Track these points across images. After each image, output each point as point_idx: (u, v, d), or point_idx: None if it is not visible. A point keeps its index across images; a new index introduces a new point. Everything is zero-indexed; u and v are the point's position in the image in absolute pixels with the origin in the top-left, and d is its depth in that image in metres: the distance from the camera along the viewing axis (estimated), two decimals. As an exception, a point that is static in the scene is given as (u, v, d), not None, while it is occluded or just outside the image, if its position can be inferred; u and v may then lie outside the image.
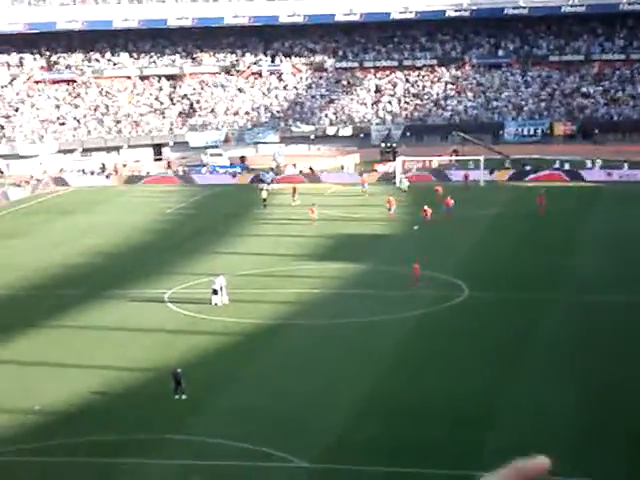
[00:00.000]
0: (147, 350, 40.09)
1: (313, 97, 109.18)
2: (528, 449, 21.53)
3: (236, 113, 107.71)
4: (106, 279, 52.59)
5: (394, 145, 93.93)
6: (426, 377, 35.89)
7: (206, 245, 60.44)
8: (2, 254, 60.23)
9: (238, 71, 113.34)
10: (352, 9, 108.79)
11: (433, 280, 49.07)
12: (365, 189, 76.26)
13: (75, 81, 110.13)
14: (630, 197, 71.62)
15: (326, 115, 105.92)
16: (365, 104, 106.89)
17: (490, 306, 44.70)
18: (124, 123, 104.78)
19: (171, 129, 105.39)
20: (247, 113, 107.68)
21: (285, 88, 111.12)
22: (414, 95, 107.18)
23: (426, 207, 64.24)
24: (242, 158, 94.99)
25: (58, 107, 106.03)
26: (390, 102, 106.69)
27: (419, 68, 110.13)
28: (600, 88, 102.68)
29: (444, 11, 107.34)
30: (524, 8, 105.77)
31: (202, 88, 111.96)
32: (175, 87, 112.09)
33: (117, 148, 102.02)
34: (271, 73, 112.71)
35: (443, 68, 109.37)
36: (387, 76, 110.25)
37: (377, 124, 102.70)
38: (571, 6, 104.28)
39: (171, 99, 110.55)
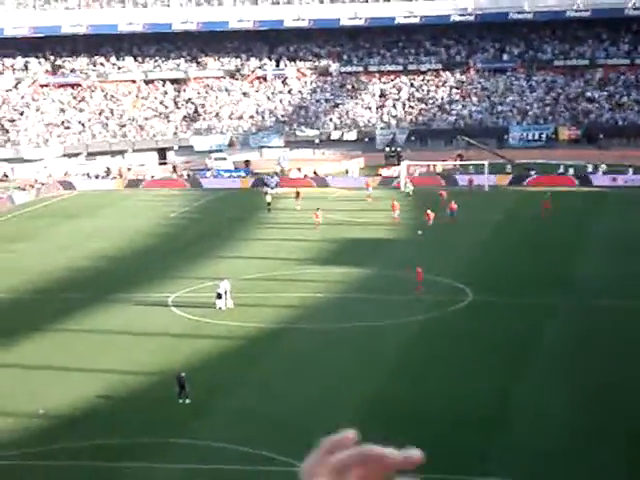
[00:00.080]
0: (151, 354, 40.13)
1: (318, 101, 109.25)
2: (531, 452, 21.63)
3: (240, 117, 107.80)
4: (110, 283, 52.66)
5: (399, 149, 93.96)
6: (429, 381, 35.89)
7: (210, 249, 60.50)
8: (7, 258, 60.33)
9: (243, 75, 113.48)
10: (357, 13, 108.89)
11: (437, 284, 49.08)
12: (370, 193, 76.31)
13: (80, 85, 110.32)
14: (635, 202, 71.58)
15: (331, 119, 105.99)
16: (370, 108, 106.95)
17: (494, 310, 44.69)
18: (129, 127, 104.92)
19: (176, 133, 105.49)
20: (252, 117, 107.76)
21: (290, 92, 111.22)
22: (419, 99, 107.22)
23: (429, 211, 64.27)
24: (246, 162, 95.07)
25: (63, 111, 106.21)
26: (395, 106, 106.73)
27: (424, 72, 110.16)
28: (605, 93, 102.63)
29: (449, 16, 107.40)
30: (529, 13, 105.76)
31: (207, 92, 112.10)
32: (180, 91, 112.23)
33: (122, 152, 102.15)
34: (276, 77, 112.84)
35: (448, 72, 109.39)
36: (392, 80, 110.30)
37: (382, 128, 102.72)
38: (576, 11, 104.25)
39: (176, 103, 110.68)
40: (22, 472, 30.06)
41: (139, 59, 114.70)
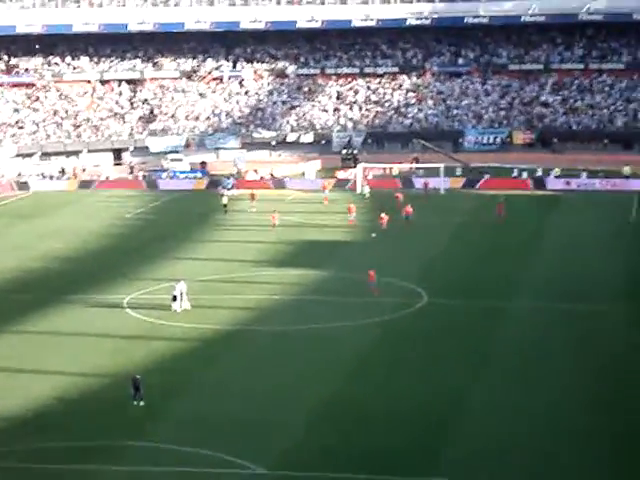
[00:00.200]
0: (106, 356, 39.86)
1: (274, 103, 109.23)
2: (489, 455, 21.80)
3: (197, 118, 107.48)
4: (65, 284, 52.27)
5: (355, 152, 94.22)
6: (385, 384, 36.00)
7: (166, 250, 60.25)
8: (-41, 258, 59.65)
9: (199, 76, 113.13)
10: (313, 16, 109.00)
11: (393, 287, 49.28)
12: (326, 195, 76.45)
13: (34, 85, 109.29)
14: (587, 205, 72.40)
15: (287, 121, 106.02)
16: (326, 111, 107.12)
17: (449, 312, 44.97)
18: (84, 127, 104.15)
19: (131, 134, 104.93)
20: (208, 118, 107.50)
21: (246, 94, 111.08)
22: (375, 102, 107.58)
23: (382, 214, 64.50)
24: (203, 164, 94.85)
25: (17, 111, 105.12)
26: (351, 109, 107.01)
27: (380, 75, 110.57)
28: (559, 97, 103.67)
29: (405, 19, 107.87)
30: (484, 17, 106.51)
31: (163, 93, 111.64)
32: (135, 92, 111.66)
33: (76, 152, 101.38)
34: (232, 79, 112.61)
35: (404, 76, 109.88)
36: (348, 83, 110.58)
37: (338, 131, 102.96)
38: (531, 15, 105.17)
39: (131, 104, 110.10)
40: (-27, 475, 29.73)
41: (94, 59, 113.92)
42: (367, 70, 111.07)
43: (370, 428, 31.88)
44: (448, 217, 68.79)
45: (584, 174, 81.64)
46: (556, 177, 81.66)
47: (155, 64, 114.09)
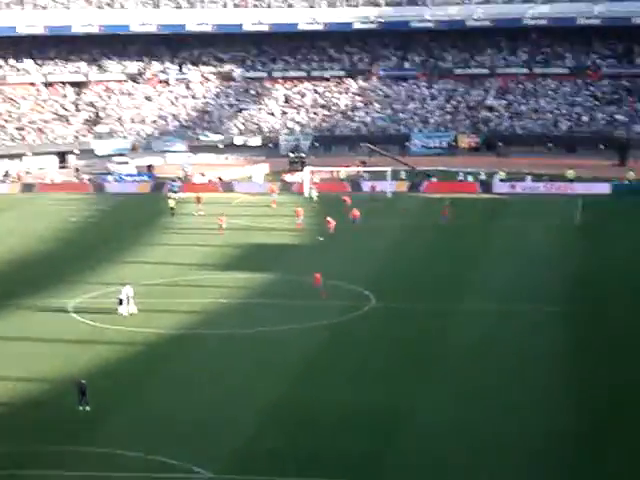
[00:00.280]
0: (51, 361, 39.41)
1: (221, 106, 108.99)
2: (433, 459, 21.88)
3: (143, 121, 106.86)
4: (8, 288, 51.60)
5: (303, 155, 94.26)
6: (333, 386, 36.04)
7: (113, 254, 59.76)
8: None
9: (145, 79, 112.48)
10: (260, 19, 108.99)
11: (340, 290, 49.36)
12: (274, 198, 76.36)
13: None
14: (532, 209, 73.16)
15: (235, 125, 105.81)
16: (273, 114, 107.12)
17: (397, 315, 45.15)
18: (28, 130, 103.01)
19: (76, 137, 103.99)
20: (154, 121, 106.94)
21: (193, 97, 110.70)
22: (322, 106, 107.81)
23: (329, 218, 64.58)
24: (149, 167, 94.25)
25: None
26: (298, 112, 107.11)
27: (327, 79, 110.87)
28: (504, 101, 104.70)
29: (351, 23, 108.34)
30: (430, 22, 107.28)
31: (108, 96, 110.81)
32: (80, 94, 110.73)
33: (20, 155, 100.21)
34: (179, 81, 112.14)
35: (351, 79, 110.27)
36: (295, 86, 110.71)
37: (286, 134, 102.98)
38: (476, 20, 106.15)
39: (76, 106, 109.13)
40: None
41: (39, 62, 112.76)
42: (314, 74, 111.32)
43: (317, 431, 31.89)
44: (395, 220, 69.08)
45: (529, 178, 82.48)
46: (501, 181, 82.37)
47: (100, 67, 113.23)
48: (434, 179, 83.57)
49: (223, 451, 30.41)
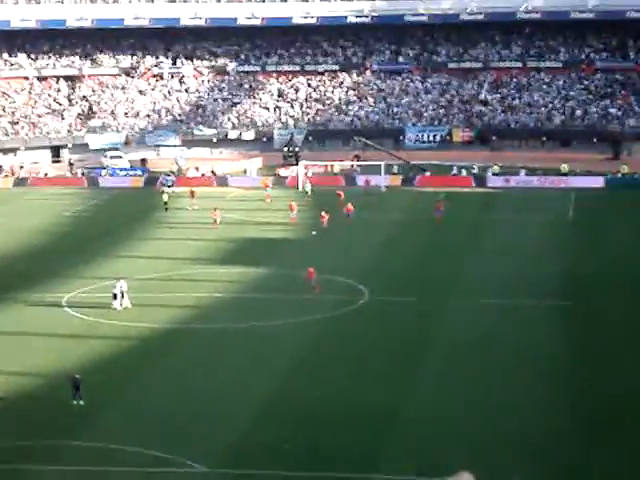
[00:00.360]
0: (44, 355, 39.40)
1: (215, 100, 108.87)
2: (425, 454, 21.85)
3: (137, 115, 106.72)
4: (2, 283, 51.55)
5: (297, 149, 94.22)
6: (327, 380, 36.06)
7: (107, 248, 59.72)
8: None
9: (138, 73, 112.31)
10: (254, 13, 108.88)
11: (335, 284, 49.38)
12: (268, 193, 76.31)
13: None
14: (526, 203, 73.23)
15: (228, 119, 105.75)
16: (267, 108, 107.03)
17: (391, 310, 45.17)
18: (22, 124, 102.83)
19: (70, 131, 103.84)
20: (148, 116, 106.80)
21: (187, 91, 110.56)
22: (316, 100, 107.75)
23: (323, 212, 64.58)
24: (143, 161, 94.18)
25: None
26: (292, 106, 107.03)
27: (321, 73, 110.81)
28: (498, 95, 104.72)
29: (345, 17, 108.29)
30: (424, 15, 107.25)
31: (102, 90, 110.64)
32: (74, 88, 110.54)
33: (14, 150, 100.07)
34: (172, 75, 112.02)
35: (345, 73, 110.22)
36: (289, 80, 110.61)
37: (280, 128, 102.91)
38: (469, 14, 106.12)
39: (70, 100, 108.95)
40: None
41: (32, 56, 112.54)
42: (308, 68, 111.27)
43: (311, 425, 31.93)
44: (389, 214, 69.10)
45: (523, 172, 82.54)
46: (494, 174, 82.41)
47: (94, 61, 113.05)
48: (428, 173, 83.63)
49: (217, 445, 30.45)
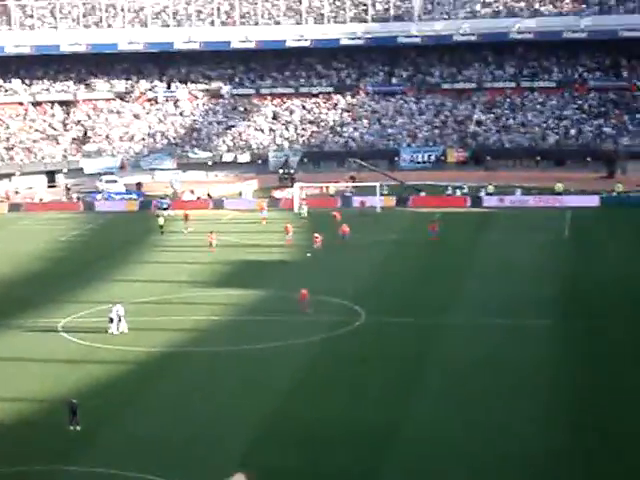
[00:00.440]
0: (41, 380, 39.23)
1: (210, 123, 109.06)
2: (425, 475, 21.72)
3: (131, 139, 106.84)
4: (-2, 309, 51.44)
5: (292, 171, 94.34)
6: (324, 402, 35.92)
7: (102, 273, 59.62)
8: None
9: (133, 97, 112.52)
10: (247, 36, 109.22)
11: (331, 305, 49.31)
12: (264, 215, 76.23)
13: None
14: (521, 222, 73.27)
15: (223, 141, 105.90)
16: (262, 130, 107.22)
17: (388, 330, 45.08)
18: (16, 150, 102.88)
19: (65, 156, 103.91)
20: (143, 139, 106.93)
21: (181, 114, 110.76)
22: (311, 122, 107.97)
23: (316, 234, 64.55)
24: (138, 185, 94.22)
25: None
26: (287, 129, 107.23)
27: (315, 95, 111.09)
28: (492, 115, 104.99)
29: (338, 39, 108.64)
30: (417, 37, 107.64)
31: (96, 114, 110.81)
32: (69, 113, 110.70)
33: (9, 175, 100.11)
34: (167, 99, 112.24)
35: (339, 95, 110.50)
36: (284, 103, 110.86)
37: (275, 150, 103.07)
38: (462, 35, 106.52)
39: (65, 125, 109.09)
40: None
41: (27, 81, 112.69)
42: (302, 90, 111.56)
43: (310, 446, 31.78)
44: (385, 235, 69.10)
45: (519, 191, 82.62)
46: (488, 194, 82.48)
47: (88, 85, 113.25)
48: (423, 193, 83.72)
49: (215, 468, 30.26)
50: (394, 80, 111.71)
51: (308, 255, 62.52)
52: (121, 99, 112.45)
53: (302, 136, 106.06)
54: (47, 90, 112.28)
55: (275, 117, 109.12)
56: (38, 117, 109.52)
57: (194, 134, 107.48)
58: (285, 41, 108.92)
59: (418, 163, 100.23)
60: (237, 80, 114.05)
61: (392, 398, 36.06)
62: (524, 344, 42.35)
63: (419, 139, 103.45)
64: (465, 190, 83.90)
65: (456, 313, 47.86)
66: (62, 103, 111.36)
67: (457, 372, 38.99)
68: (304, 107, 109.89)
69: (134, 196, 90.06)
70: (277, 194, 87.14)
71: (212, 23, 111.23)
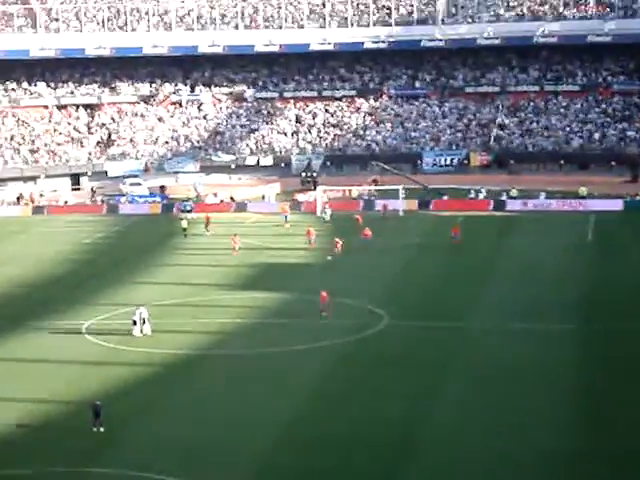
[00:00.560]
0: (65, 382, 39.52)
1: (233, 127, 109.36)
2: (444, 478, 21.65)
3: (155, 142, 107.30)
4: (23, 310, 51.79)
5: (314, 174, 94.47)
6: (347, 406, 35.98)
7: (126, 275, 59.94)
8: None
9: (157, 100, 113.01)
10: (271, 40, 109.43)
11: (354, 309, 49.38)
12: (287, 219, 76.29)
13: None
14: (544, 226, 73.06)
15: (247, 145, 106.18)
16: (285, 134, 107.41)
17: (410, 334, 45.12)
18: (41, 152, 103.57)
19: (89, 159, 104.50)
20: (167, 142, 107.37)
21: (205, 118, 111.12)
22: (333, 125, 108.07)
23: (337, 239, 64.55)
24: (162, 187, 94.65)
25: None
26: (310, 132, 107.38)
27: (338, 99, 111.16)
28: (515, 119, 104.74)
29: (362, 43, 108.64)
30: (440, 40, 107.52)
31: (120, 117, 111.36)
32: (93, 116, 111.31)
33: (34, 178, 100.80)
34: (191, 103, 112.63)
35: (362, 99, 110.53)
36: (307, 106, 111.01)
37: (297, 154, 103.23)
38: (486, 38, 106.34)
39: (89, 128, 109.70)
40: None
41: (52, 84, 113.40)
42: (325, 93, 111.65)
43: (332, 450, 31.84)
44: (407, 239, 69.07)
45: (542, 195, 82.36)
46: (512, 198, 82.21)
47: (113, 89, 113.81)
48: (446, 197, 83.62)
49: (237, 472, 30.39)
50: (417, 84, 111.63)
51: (329, 259, 62.62)
52: (145, 102, 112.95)
53: (325, 139, 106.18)
54: (72, 93, 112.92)
55: (298, 120, 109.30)
56: (63, 120, 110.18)
57: (217, 137, 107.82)
58: (309, 45, 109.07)
59: (441, 167, 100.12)
60: (260, 83, 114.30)
61: (413, 401, 36.08)
62: (547, 348, 42.28)
63: (442, 142, 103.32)
64: (483, 194, 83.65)
65: (478, 317, 47.82)
66: (87, 106, 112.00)
67: (479, 376, 38.96)
68: (327, 110, 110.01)
69: (158, 199, 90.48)
70: (300, 197, 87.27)
71: (236, 27, 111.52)
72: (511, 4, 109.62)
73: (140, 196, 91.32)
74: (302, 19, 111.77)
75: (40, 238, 76.60)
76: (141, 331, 45.52)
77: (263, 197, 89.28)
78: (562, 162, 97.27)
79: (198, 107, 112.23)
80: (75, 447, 32.61)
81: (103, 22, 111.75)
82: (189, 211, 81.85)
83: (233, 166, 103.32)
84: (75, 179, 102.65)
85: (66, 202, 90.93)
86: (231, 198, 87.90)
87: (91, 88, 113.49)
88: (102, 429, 33.74)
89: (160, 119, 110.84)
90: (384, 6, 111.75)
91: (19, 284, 59.16)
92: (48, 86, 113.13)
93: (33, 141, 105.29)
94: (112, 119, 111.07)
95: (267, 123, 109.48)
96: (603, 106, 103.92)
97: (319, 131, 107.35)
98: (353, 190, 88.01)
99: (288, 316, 48.80)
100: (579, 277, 55.87)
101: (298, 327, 46.72)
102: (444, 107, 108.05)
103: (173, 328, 46.98)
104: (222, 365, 41.68)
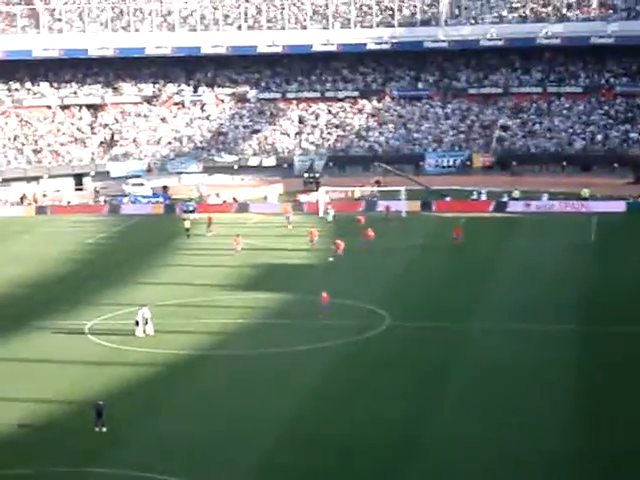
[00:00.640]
0: (67, 382, 39.61)
1: (236, 127, 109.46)
2: (446, 478, 21.79)
3: (158, 143, 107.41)
4: (26, 310, 51.89)
5: (317, 175, 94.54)
6: (348, 406, 36.06)
7: (129, 275, 60.05)
8: None
9: (160, 101, 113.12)
10: (274, 41, 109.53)
11: (356, 309, 49.46)
12: (290, 220, 76.38)
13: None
14: (547, 228, 73.10)
15: (249, 145, 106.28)
16: (288, 135, 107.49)
17: (412, 335, 45.20)
18: (44, 153, 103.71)
19: (92, 159, 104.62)
20: (169, 143, 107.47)
21: (208, 118, 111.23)
22: (336, 126, 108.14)
23: (338, 240, 64.57)
24: (164, 188, 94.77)
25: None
26: (313, 133, 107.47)
27: (341, 99, 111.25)
28: (518, 120, 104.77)
29: (365, 44, 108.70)
30: (443, 42, 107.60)
31: (124, 118, 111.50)
32: (96, 117, 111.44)
33: (37, 178, 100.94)
34: (194, 103, 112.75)
35: (365, 100, 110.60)
36: (310, 107, 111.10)
37: (300, 154, 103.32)
38: (489, 40, 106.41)
39: (92, 129, 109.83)
40: None
41: (55, 85, 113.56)
42: (328, 94, 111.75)
43: (332, 451, 31.90)
44: (410, 240, 69.13)
45: (545, 196, 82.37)
46: (513, 199, 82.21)
47: (116, 89, 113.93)
48: (448, 198, 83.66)
49: (239, 472, 30.49)
50: (420, 85, 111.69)
51: (330, 260, 62.71)
52: (148, 103, 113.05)
53: (327, 140, 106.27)
54: (75, 94, 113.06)
55: (301, 121, 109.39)
56: (66, 120, 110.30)
57: (220, 138, 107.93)
58: (312, 46, 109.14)
59: (443, 168, 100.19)
60: (263, 84, 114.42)
61: (414, 402, 36.15)
62: (547, 349, 42.36)
63: (445, 144, 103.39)
64: (483, 195, 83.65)
65: (480, 318, 47.90)
66: (90, 106, 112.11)
67: (480, 376, 39.04)
68: (330, 111, 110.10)
69: (160, 199, 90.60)
70: (302, 198, 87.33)
71: (239, 28, 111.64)
72: (514, 5, 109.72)
73: (143, 196, 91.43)
74: (305, 20, 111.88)
75: (43, 238, 76.71)
76: (144, 331, 45.63)
77: (265, 198, 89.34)
78: (565, 163, 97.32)
79: (201, 108, 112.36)
80: (77, 447, 32.70)
81: (106, 22, 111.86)
82: (192, 211, 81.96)
83: (236, 167, 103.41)
84: (78, 179, 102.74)
85: (69, 202, 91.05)
86: (234, 199, 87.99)
87: (94, 88, 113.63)
88: (104, 429, 33.84)
89: (163, 119, 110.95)
90: (387, 7, 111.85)
91: (22, 284, 59.27)
92: (51, 86, 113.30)
93: (36, 141, 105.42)
94: (115, 119, 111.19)
95: (270, 124, 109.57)
96: (606, 108, 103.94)
97: (322, 132, 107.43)
98: (356, 191, 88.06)
99: (290, 317, 48.90)
100: (580, 278, 55.93)
101: (300, 328, 46.82)
102: (447, 108, 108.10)
103: (175, 328, 47.08)
104: (224, 365, 41.78)
